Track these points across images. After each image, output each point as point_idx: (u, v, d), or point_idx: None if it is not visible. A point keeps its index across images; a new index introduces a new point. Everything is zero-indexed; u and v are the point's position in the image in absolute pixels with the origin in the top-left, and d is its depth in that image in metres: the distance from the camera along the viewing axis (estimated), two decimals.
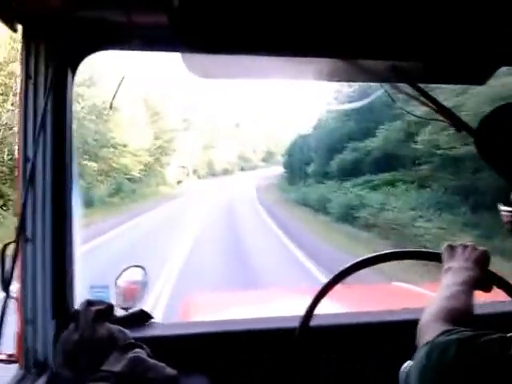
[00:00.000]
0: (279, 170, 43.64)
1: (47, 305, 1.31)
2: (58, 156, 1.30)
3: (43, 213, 1.29)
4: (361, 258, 1.29)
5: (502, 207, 0.77)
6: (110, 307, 1.40)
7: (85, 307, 1.35)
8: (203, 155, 50.23)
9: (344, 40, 1.14)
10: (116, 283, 1.56)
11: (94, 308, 1.35)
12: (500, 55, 1.25)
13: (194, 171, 48.41)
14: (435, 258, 1.22)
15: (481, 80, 1.41)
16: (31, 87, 1.26)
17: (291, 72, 1.33)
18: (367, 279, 3.08)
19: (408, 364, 0.88)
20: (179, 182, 38.74)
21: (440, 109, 1.25)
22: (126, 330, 1.34)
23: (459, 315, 0.90)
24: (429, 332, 0.82)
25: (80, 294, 1.41)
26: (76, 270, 1.39)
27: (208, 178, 47.91)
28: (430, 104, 1.24)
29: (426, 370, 0.73)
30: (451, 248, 1.16)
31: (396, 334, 1.35)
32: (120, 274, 1.58)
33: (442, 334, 0.77)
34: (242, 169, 62.11)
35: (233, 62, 1.23)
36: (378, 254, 1.31)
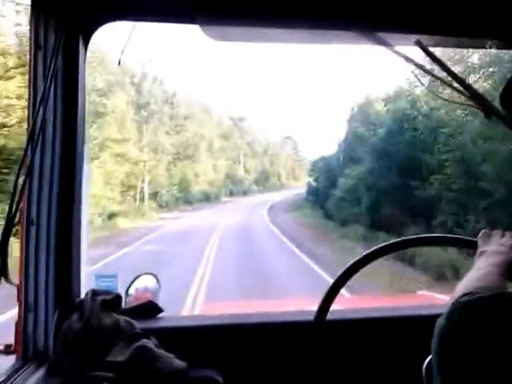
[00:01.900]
0: (283, 196, 35.39)
1: (50, 292, 1.25)
2: (67, 133, 1.25)
3: (50, 193, 1.22)
4: (380, 245, 1.24)
5: None
6: (118, 297, 1.34)
7: (90, 296, 1.28)
8: (168, 168, 30.83)
9: (358, 11, 1.19)
10: (127, 291, 1.50)
11: (100, 298, 1.28)
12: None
13: (153, 195, 28.76)
14: (471, 245, 1.19)
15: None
16: (40, 57, 1.20)
17: (303, 36, 1.33)
18: None
19: (430, 359, 0.83)
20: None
21: (470, 93, 1.20)
22: (133, 321, 1.28)
23: None
24: None
25: (86, 283, 1.35)
26: (83, 256, 1.32)
27: (178, 209, 28.51)
28: (460, 88, 1.20)
29: (448, 330, 0.69)
30: (487, 235, 1.15)
31: (415, 330, 1.26)
32: (132, 282, 1.53)
33: (463, 296, 0.74)
34: (231, 193, 43.32)
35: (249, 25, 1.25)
36: (411, 237, 1.27)
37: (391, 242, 1.24)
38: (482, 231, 1.15)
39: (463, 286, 0.90)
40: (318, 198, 24.87)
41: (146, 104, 31.26)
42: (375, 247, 1.22)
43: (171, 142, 32.92)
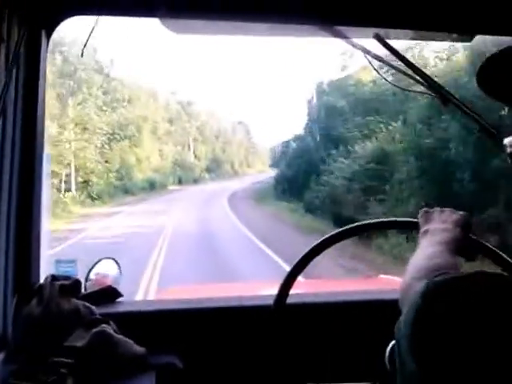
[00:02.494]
0: (240, 184, 31.99)
1: (9, 278, 1.24)
2: (28, 123, 1.26)
3: (10, 179, 1.23)
4: (335, 231, 1.26)
5: (506, 139, 0.73)
6: (77, 283, 1.33)
7: (49, 282, 1.27)
8: (102, 151, 25.19)
9: (316, 5, 1.22)
10: (88, 277, 1.50)
11: (59, 283, 1.28)
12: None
13: (83, 184, 23.26)
14: (412, 226, 1.17)
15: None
16: (3, 50, 1.19)
17: (262, 29, 1.36)
18: None
19: (393, 344, 0.81)
20: None
21: (427, 82, 1.23)
22: (93, 306, 1.29)
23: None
24: (413, 290, 0.72)
25: (45, 268, 1.34)
26: (42, 242, 1.32)
27: (115, 202, 23.06)
28: (417, 77, 1.22)
29: (425, 311, 0.65)
30: (428, 213, 1.12)
31: (376, 314, 1.27)
32: (92, 267, 1.53)
33: (436, 276, 0.71)
34: (180, 181, 38.17)
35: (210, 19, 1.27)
36: (354, 225, 1.27)
37: (335, 231, 1.24)
38: (422, 210, 1.13)
39: (414, 266, 0.88)
40: (290, 187, 20.11)
41: (73, 72, 25.22)
42: (327, 235, 1.23)
43: (105, 120, 26.97)
